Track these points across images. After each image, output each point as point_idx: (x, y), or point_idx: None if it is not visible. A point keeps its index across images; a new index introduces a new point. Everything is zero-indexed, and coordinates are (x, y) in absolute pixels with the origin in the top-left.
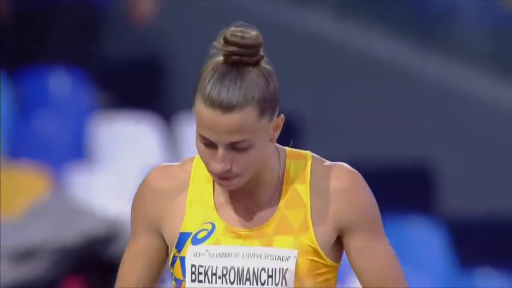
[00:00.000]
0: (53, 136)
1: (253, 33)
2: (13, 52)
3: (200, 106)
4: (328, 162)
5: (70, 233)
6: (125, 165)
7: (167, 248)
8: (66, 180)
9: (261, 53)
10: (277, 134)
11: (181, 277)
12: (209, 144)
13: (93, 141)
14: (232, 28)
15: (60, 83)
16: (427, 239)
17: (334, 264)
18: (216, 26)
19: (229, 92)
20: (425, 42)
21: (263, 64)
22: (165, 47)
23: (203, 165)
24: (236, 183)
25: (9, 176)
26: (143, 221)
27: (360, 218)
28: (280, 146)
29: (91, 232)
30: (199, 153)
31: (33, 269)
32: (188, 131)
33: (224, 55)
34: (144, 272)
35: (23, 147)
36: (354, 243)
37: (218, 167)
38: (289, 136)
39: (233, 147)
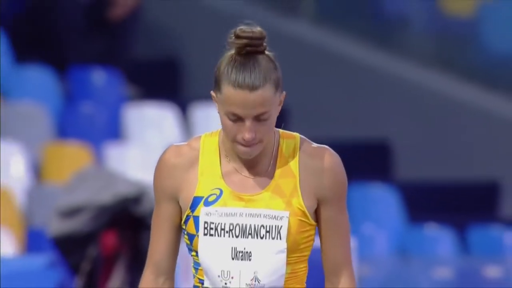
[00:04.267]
0: (93, 119)
1: (258, 28)
2: (62, 54)
3: (229, 90)
4: (314, 144)
5: (107, 195)
6: (150, 143)
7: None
8: (103, 154)
9: (265, 43)
10: (280, 108)
11: (194, 232)
12: (237, 120)
13: (125, 124)
14: (241, 27)
15: (98, 78)
16: (386, 200)
17: (315, 223)
18: (219, 30)
19: (252, 76)
20: (384, 44)
21: (267, 51)
22: (181, 49)
23: (209, 142)
24: (257, 149)
25: (59, 151)
26: (164, 192)
27: (335, 194)
28: (275, 128)
29: (124, 193)
30: (226, 129)
31: (78, 223)
32: (199, 117)
33: (238, 48)
34: (169, 233)
35: (70, 129)
36: (325, 212)
37: (248, 136)
38: (279, 121)
39: (257, 118)
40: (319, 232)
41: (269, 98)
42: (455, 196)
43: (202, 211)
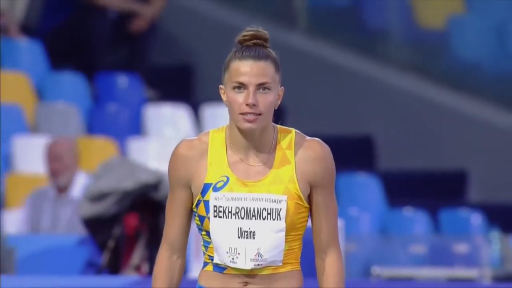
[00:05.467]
0: (117, 118)
1: (262, 30)
2: (91, 62)
3: (235, 63)
4: (307, 137)
5: (129, 182)
6: (166, 137)
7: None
8: (126, 147)
9: (269, 44)
10: (279, 102)
11: (204, 214)
12: (241, 89)
13: (144, 121)
14: (247, 28)
15: (122, 82)
16: (369, 187)
17: (308, 206)
18: (226, 40)
19: (256, 51)
20: (367, 52)
21: (270, 47)
22: (194, 57)
23: (217, 136)
24: (258, 123)
25: (88, 144)
26: (177, 180)
27: (325, 180)
28: (273, 123)
29: (144, 181)
30: (232, 103)
31: (104, 207)
32: (209, 115)
33: (244, 40)
34: (182, 217)
35: (97, 126)
36: (317, 196)
37: (251, 100)
38: (277, 118)
39: (259, 87)
40: (311, 214)
41: (270, 71)
42: (429, 183)
43: (211, 196)
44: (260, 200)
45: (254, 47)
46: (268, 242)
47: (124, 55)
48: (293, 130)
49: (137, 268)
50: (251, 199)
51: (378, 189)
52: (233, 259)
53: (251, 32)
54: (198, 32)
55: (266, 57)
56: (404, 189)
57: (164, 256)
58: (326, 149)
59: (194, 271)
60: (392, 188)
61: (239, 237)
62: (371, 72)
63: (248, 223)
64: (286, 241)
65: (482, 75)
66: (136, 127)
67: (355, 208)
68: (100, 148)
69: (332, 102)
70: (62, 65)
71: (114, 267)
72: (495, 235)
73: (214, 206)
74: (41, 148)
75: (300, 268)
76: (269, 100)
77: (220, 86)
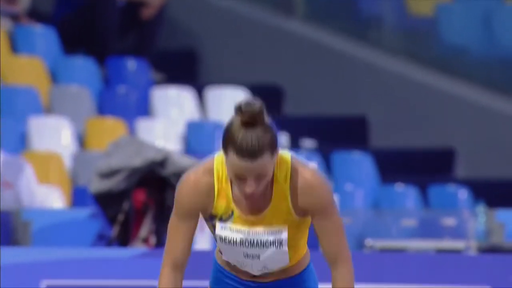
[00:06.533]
0: (127, 99)
1: (258, 104)
2: (102, 47)
3: (233, 158)
4: (301, 166)
5: (137, 159)
6: (172, 118)
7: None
8: (135, 127)
9: (265, 114)
10: (276, 160)
11: (212, 230)
12: (241, 179)
13: (152, 103)
14: (245, 102)
15: (131, 66)
16: (363, 164)
17: (309, 219)
18: (229, 26)
19: (253, 148)
20: (361, 38)
21: (266, 119)
22: (198, 42)
23: (221, 169)
24: (257, 196)
25: (99, 125)
26: (184, 211)
27: (320, 208)
28: None
29: (151, 158)
30: (233, 181)
31: (114, 183)
32: (212, 97)
33: (242, 121)
34: (187, 239)
35: (108, 107)
36: (316, 221)
37: (249, 190)
38: (277, 97)
39: (257, 178)
40: (318, 238)
41: (267, 164)
42: (418, 161)
43: (217, 226)
44: (262, 233)
45: (251, 133)
46: (273, 260)
47: (133, 41)
48: (290, 160)
49: (145, 240)
50: (254, 233)
51: (371, 167)
52: (241, 266)
53: (247, 116)
54: (202, 19)
55: (262, 150)
56: (395, 166)
57: (167, 271)
58: (318, 179)
59: (199, 243)
60: (384, 165)
61: (245, 257)
62: (365, 57)
63: (253, 250)
64: (290, 249)
65: (468, 59)
66: (144, 108)
67: (349, 184)
68: (110, 128)
69: (328, 84)
70: (75, 50)
71: (124, 240)
72: (481, 209)
73: (219, 236)
74: (55, 128)
75: (306, 247)
76: (266, 181)
77: (225, 154)
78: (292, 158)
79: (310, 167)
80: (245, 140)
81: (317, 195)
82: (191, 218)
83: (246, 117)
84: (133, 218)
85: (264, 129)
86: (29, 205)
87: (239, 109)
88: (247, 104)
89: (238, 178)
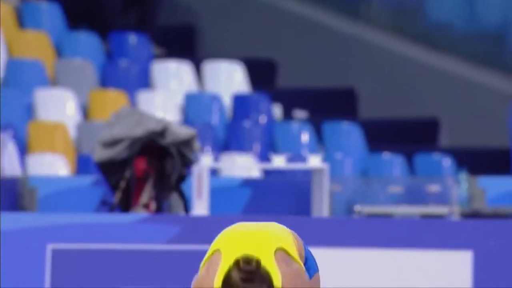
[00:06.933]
0: (128, 72)
1: (255, 260)
2: (105, 22)
3: None
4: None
5: (138, 129)
6: (172, 90)
7: None
8: (136, 98)
9: (262, 268)
10: None
11: None
12: None
13: (152, 76)
14: (243, 258)
15: (132, 41)
16: (352, 134)
17: None
18: (226, 2)
19: None
20: (352, 14)
21: (263, 272)
22: (197, 18)
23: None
24: None
25: (102, 96)
26: None
27: None
28: None
29: (151, 128)
30: None
31: (116, 152)
32: (209, 71)
33: (240, 277)
34: None
35: (110, 80)
36: None
37: None
38: (271, 70)
39: None
40: None
41: None
42: (405, 131)
43: None
44: None
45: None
46: None
47: (135, 16)
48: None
49: (146, 206)
50: None
51: (360, 136)
52: None
53: (247, 271)
54: None
55: None
56: (382, 136)
57: None
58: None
59: (196, 210)
60: (372, 135)
61: None
62: (355, 32)
63: None
64: None
65: (453, 34)
66: (144, 81)
67: (339, 153)
68: (113, 99)
69: (320, 58)
70: (79, 26)
71: (125, 205)
72: (463, 176)
73: None
74: (60, 99)
75: None
76: None
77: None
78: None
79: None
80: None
81: None
82: None
83: (245, 275)
84: (134, 185)
85: (261, 281)
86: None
87: (237, 266)
88: (246, 261)
89: None
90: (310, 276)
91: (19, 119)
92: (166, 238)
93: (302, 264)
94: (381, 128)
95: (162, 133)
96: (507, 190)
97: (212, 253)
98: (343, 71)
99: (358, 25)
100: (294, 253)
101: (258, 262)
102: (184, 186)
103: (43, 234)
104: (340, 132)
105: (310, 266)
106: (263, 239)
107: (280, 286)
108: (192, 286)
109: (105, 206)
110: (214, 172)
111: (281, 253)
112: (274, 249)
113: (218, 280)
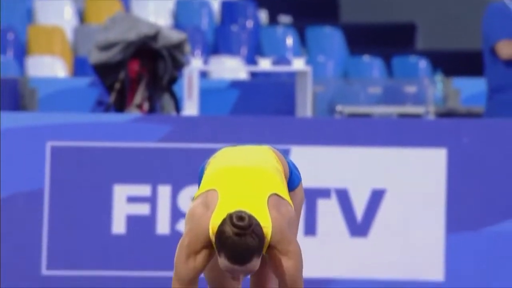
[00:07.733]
0: None
1: (247, 217)
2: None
3: (224, 261)
4: (281, 242)
5: (132, 33)
6: None
7: None
8: (130, 4)
9: (254, 225)
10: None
11: None
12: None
13: None
14: (236, 215)
15: None
16: (334, 38)
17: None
18: None
19: (243, 255)
20: None
21: (255, 228)
22: None
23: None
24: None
25: (98, 1)
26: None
27: (289, 282)
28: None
29: (144, 32)
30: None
31: (111, 54)
32: None
33: (233, 231)
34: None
35: None
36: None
37: (238, 280)
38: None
39: (246, 274)
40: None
41: (255, 265)
42: (383, 34)
43: None
44: None
45: (241, 241)
46: None
47: None
48: (270, 233)
49: (139, 106)
50: None
51: (341, 40)
52: None
53: (239, 226)
54: None
55: (251, 256)
56: (363, 39)
57: None
58: (291, 259)
59: (187, 110)
60: (353, 38)
61: None
62: None
63: None
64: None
65: None
66: None
67: (321, 56)
68: (108, 5)
69: None
70: None
71: (120, 105)
72: (439, 77)
73: None
74: (58, 3)
75: None
76: (256, 269)
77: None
78: (273, 235)
79: (286, 247)
80: (236, 249)
81: (288, 274)
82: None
83: (237, 229)
84: (128, 86)
85: (253, 237)
86: None
87: (231, 221)
88: (238, 218)
89: (228, 273)
90: (295, 186)
91: (19, 22)
92: (158, 137)
93: (291, 201)
94: (361, 32)
95: (154, 37)
96: (480, 90)
97: (209, 190)
98: None
99: None
100: (283, 188)
101: (250, 218)
102: (176, 87)
103: (42, 132)
104: (323, 36)
105: (295, 178)
106: (257, 186)
107: (270, 237)
108: (190, 213)
109: (101, 106)
110: (203, 74)
111: (273, 198)
112: (267, 196)
113: (213, 225)
